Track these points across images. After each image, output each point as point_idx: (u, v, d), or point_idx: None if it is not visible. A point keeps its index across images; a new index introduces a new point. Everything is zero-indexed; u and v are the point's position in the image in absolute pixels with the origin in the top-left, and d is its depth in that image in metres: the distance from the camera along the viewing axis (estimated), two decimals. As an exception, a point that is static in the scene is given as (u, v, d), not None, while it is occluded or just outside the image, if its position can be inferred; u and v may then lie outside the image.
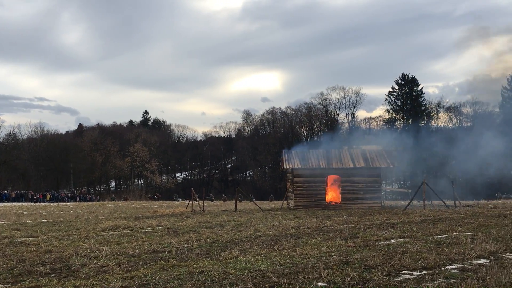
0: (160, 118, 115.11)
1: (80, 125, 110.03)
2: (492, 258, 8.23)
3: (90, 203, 48.71)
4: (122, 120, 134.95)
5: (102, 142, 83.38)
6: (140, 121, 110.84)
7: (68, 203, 47.60)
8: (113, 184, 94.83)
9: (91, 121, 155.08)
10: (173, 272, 7.47)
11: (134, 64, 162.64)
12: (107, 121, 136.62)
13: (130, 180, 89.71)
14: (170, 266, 7.95)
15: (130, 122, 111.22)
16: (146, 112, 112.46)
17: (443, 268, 7.33)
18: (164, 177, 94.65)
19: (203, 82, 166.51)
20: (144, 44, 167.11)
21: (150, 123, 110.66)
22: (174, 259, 8.69)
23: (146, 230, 14.42)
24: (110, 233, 13.85)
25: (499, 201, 36.42)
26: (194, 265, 8.04)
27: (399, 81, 70.36)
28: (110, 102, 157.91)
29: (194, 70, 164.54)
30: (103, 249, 9.93)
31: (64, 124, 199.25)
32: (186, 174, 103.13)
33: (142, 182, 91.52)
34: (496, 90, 68.86)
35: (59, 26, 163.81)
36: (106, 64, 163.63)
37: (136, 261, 8.60)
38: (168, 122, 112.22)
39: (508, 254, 8.63)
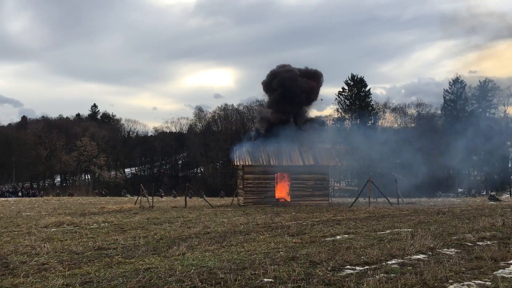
0: (110, 112, 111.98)
1: (23, 117, 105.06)
2: (430, 253, 8.64)
3: (33, 198, 46.73)
4: (69, 113, 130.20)
5: (47, 135, 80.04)
6: (88, 115, 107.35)
7: (9, 199, 45.45)
8: (58, 179, 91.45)
9: (36, 113, 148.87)
10: (118, 269, 7.34)
11: (83, 55, 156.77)
12: (53, 114, 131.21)
13: (76, 175, 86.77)
14: (115, 263, 7.80)
15: (78, 115, 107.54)
16: (94, 106, 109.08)
17: (384, 263, 7.63)
18: (112, 173, 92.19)
19: (154, 76, 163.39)
20: (94, 36, 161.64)
21: (99, 117, 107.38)
22: (119, 256, 8.53)
23: (92, 227, 14.06)
24: (53, 229, 13.39)
25: (439, 199, 38.23)
26: (140, 262, 7.93)
27: (349, 81, 72.12)
28: (57, 94, 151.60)
29: (145, 64, 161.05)
30: (44, 246, 9.60)
31: (6, 116, 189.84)
32: (135, 169, 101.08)
33: (89, 178, 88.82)
34: (439, 93, 72.15)
35: (2, 13, 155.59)
36: (52, 55, 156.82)
37: (80, 258, 8.38)
38: (118, 116, 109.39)
39: (445, 249, 9.09)
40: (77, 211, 22.20)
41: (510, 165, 68.50)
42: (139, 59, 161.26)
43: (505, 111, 69.91)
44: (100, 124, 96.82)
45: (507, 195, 55.13)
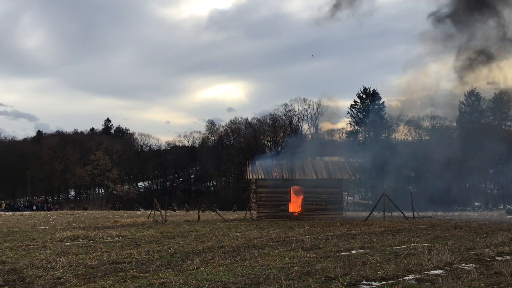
0: (123, 126, 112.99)
1: (39, 132, 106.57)
2: (448, 268, 8.49)
3: (48, 212, 47.12)
4: (83, 127, 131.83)
5: (62, 149, 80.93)
6: (102, 129, 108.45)
7: (24, 212, 45.88)
8: (73, 193, 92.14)
9: (51, 128, 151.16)
10: (132, 283, 7.33)
11: (96, 70, 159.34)
12: (68, 128, 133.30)
13: (90, 189, 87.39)
14: (129, 278, 7.79)
15: (92, 129, 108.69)
16: (108, 120, 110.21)
17: (401, 279, 7.50)
18: (126, 186, 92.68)
19: (167, 90, 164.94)
20: (107, 51, 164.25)
21: (112, 131, 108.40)
22: (134, 270, 8.52)
23: (106, 241, 14.09)
24: (68, 243, 13.44)
25: (456, 213, 37.65)
26: (155, 276, 7.91)
27: (361, 94, 71.92)
28: (71, 109, 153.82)
29: (158, 79, 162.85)
30: (60, 260, 9.63)
31: (22, 131, 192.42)
32: (148, 183, 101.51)
33: (103, 191, 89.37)
34: (455, 105, 71.47)
35: (18, 29, 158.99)
36: (67, 70, 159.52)
37: (95, 272, 8.38)
38: (131, 131, 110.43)
39: (463, 265, 8.92)
40: (91, 225, 22.30)
41: (527, 178, 67.34)
42: (151, 74, 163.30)
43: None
44: (114, 138, 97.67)
45: (525, 209, 54.11)
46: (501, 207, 57.86)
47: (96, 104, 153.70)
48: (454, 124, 73.71)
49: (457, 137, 66.09)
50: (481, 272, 7.99)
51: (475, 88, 70.17)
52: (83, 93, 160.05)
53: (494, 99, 68.99)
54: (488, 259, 9.56)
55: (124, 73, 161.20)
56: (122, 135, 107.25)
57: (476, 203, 62.16)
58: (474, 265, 8.84)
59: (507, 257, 9.78)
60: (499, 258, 9.65)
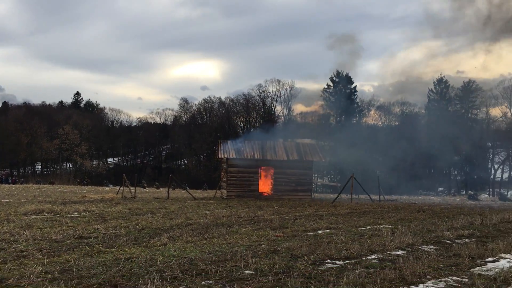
0: (93, 100, 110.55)
1: (4, 103, 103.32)
2: (410, 249, 8.76)
3: (13, 185, 46.05)
4: (52, 100, 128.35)
5: (29, 122, 78.78)
6: (71, 103, 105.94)
7: (-13, 185, 44.67)
8: (39, 167, 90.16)
9: (18, 99, 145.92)
10: (98, 258, 7.29)
11: (67, 42, 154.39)
12: (35, 101, 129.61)
13: (57, 164, 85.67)
14: (95, 252, 7.75)
15: (61, 102, 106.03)
16: (77, 94, 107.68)
17: (364, 258, 7.71)
18: (95, 162, 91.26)
19: (140, 66, 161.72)
20: (78, 22, 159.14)
21: (82, 105, 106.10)
22: (100, 245, 8.47)
23: (72, 215, 13.91)
24: (33, 217, 13.22)
25: (420, 197, 38.74)
26: (121, 251, 7.88)
27: (334, 78, 72.37)
28: (39, 81, 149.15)
29: (131, 53, 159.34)
30: (23, 234, 9.47)
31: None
32: (118, 159, 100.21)
33: (71, 166, 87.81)
34: (424, 92, 72.85)
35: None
36: (35, 40, 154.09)
37: (59, 246, 8.29)
38: (101, 105, 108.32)
39: (424, 246, 9.22)
40: (58, 200, 21.94)
41: (490, 166, 69.73)
42: (124, 48, 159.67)
43: (487, 112, 70.96)
44: (83, 113, 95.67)
45: (486, 195, 56.15)
46: (464, 193, 59.79)
47: (65, 76, 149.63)
48: (423, 111, 75.29)
49: (425, 124, 67.53)
50: (440, 254, 8.28)
51: (443, 76, 71.72)
52: (52, 65, 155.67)
53: (463, 87, 70.61)
54: (448, 242, 9.91)
55: (95, 45, 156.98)
56: (92, 109, 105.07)
57: (440, 188, 64.08)
58: (434, 247, 9.15)
59: (466, 240, 10.16)
60: (458, 241, 10.02)
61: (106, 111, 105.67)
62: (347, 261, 7.42)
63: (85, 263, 6.85)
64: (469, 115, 70.29)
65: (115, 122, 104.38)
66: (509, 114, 68.02)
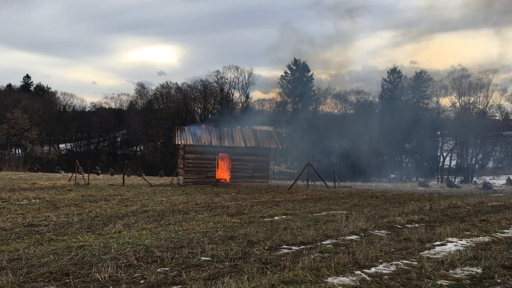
0: (44, 84, 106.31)
1: None
2: (363, 234, 9.01)
3: (-44, 172, 43.78)
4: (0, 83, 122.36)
5: (-26, 105, 75.00)
6: (21, 86, 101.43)
7: None
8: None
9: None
10: (49, 246, 7.06)
11: (15, 22, 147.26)
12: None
13: (6, 149, 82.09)
14: (46, 241, 7.50)
15: (9, 86, 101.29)
16: (27, 76, 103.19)
17: (319, 243, 7.86)
18: (46, 148, 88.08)
19: (94, 49, 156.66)
20: (28, 1, 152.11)
21: (32, 88, 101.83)
22: (51, 233, 8.21)
23: (22, 203, 13.41)
24: (-21, 205, 12.64)
25: (373, 184, 39.89)
26: (73, 239, 7.67)
27: (291, 65, 72.83)
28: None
29: (84, 36, 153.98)
30: (-32, 222, 9.04)
31: None
32: (71, 145, 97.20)
33: (20, 152, 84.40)
34: (379, 81, 74.71)
35: None
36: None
37: (8, 235, 7.98)
38: (53, 89, 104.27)
39: (376, 231, 9.51)
40: (6, 186, 21.05)
41: (439, 154, 72.63)
42: (78, 30, 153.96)
43: (437, 101, 73.65)
44: (34, 96, 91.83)
45: (435, 182, 58.54)
46: (414, 179, 62.03)
47: (14, 58, 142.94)
48: (377, 100, 77.27)
49: (379, 112, 69.35)
50: (392, 238, 8.57)
51: (397, 66, 73.74)
52: (0, 46, 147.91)
53: (415, 77, 72.88)
54: (399, 226, 10.26)
55: (46, 27, 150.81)
56: (43, 93, 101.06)
57: (392, 175, 66.19)
58: (386, 232, 9.46)
59: (416, 225, 10.56)
60: (409, 226, 10.40)
61: (58, 95, 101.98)
62: (302, 246, 7.55)
63: (35, 252, 6.62)
64: (420, 105, 72.73)
65: (67, 106, 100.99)
66: (457, 104, 70.91)
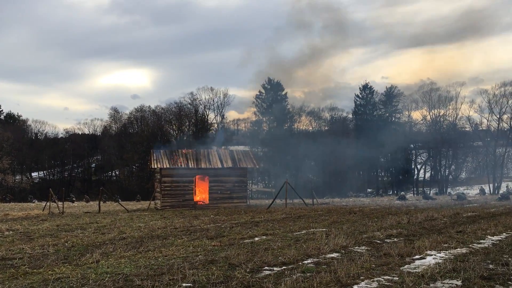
0: (15, 112, 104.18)
1: None
2: (343, 251, 9.05)
3: None
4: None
5: None
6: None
7: None
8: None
9: None
10: (24, 280, 6.85)
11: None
12: None
13: (-25, 180, 79.75)
14: (21, 274, 7.27)
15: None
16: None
17: (301, 263, 7.85)
18: (18, 177, 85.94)
19: (65, 75, 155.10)
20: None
21: (2, 117, 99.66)
22: (26, 266, 7.97)
23: (-6, 236, 12.98)
24: None
25: (350, 199, 40.18)
26: (50, 271, 7.46)
27: (266, 85, 73.47)
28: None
29: (54, 62, 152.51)
30: None
31: None
32: (44, 173, 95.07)
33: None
34: (352, 98, 75.99)
35: None
36: None
37: (-20, 270, 7.70)
38: (24, 117, 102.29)
39: (356, 247, 9.56)
40: (-23, 219, 20.40)
41: (413, 166, 73.83)
42: (47, 56, 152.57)
43: (409, 115, 75.16)
44: (4, 125, 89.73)
45: (411, 195, 59.34)
46: (390, 193, 62.77)
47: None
48: (351, 116, 78.45)
49: (352, 128, 70.31)
50: (372, 254, 8.62)
51: (368, 82, 75.30)
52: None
53: (385, 93, 74.41)
54: (379, 241, 10.34)
55: (15, 54, 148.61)
56: (13, 121, 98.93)
57: (369, 190, 66.90)
58: (366, 248, 9.51)
59: (395, 239, 10.66)
60: (388, 240, 10.49)
61: (29, 122, 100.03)
62: (284, 267, 7.52)
63: (10, 287, 6.41)
64: (393, 119, 74.10)
65: (39, 134, 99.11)
66: (428, 117, 72.51)
